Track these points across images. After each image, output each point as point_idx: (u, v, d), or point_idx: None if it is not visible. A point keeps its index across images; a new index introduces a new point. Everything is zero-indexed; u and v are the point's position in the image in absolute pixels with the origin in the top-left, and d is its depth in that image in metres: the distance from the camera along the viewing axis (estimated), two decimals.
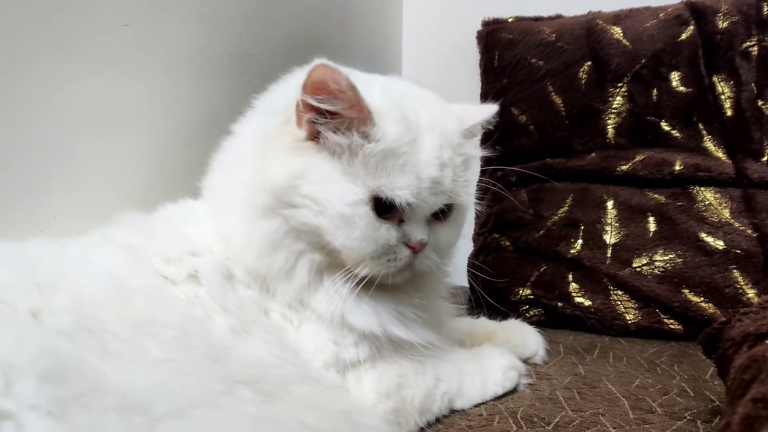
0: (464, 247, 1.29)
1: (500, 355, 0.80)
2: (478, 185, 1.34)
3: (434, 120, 0.66)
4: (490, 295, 1.15)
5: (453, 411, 0.73)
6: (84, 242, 0.64)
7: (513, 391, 0.79)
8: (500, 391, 0.77)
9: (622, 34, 1.20)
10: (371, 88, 0.64)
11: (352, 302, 0.63)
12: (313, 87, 0.60)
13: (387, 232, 0.63)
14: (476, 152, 0.75)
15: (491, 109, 0.76)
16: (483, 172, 1.34)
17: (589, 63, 1.21)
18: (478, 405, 0.75)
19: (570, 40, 1.25)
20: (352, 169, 0.62)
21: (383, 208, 0.63)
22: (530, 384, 0.81)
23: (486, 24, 1.43)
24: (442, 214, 0.69)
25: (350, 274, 0.64)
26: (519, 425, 0.69)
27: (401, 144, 0.62)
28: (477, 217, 1.31)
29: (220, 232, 0.66)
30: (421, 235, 0.65)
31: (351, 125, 0.61)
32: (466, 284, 1.26)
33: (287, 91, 0.69)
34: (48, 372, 0.40)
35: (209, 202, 0.71)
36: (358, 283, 0.64)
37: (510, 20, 1.40)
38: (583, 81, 1.21)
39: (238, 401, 0.49)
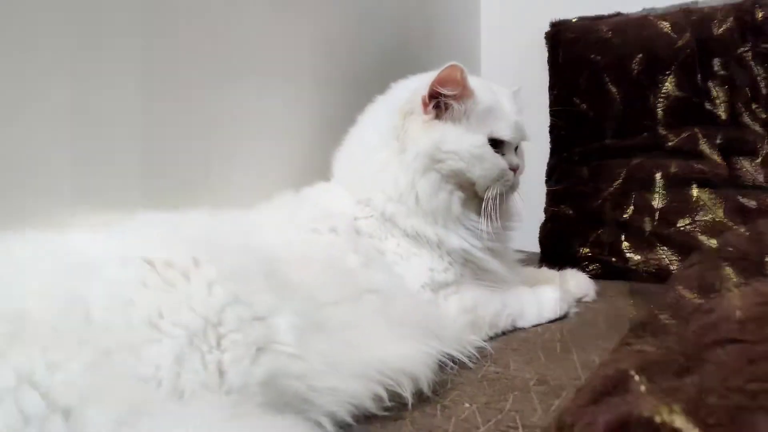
0: (537, 216, 1.54)
1: (553, 290, 1.06)
2: (549, 165, 1.59)
3: (500, 89, 1.02)
4: (556, 255, 1.41)
5: (516, 328, 1.00)
6: (256, 211, 0.95)
7: (564, 317, 1.04)
8: (552, 316, 1.03)
9: (670, 28, 1.39)
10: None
11: (460, 230, 0.95)
12: (443, 80, 0.93)
13: (501, 160, 0.95)
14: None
15: (514, 86, 1.09)
16: (552, 154, 1.58)
17: (641, 55, 1.41)
18: (535, 325, 1.01)
19: (624, 36, 1.45)
20: (471, 126, 0.94)
21: (494, 146, 0.95)
22: (578, 312, 1.06)
23: (553, 25, 1.64)
24: (515, 150, 1.02)
25: (485, 202, 0.94)
26: (563, 335, 0.94)
27: (492, 102, 0.97)
28: (548, 192, 1.56)
29: (358, 197, 0.96)
30: (517, 160, 0.99)
31: (462, 99, 0.93)
32: (538, 250, 1.52)
33: (398, 97, 1.01)
34: (268, 274, 0.70)
35: (344, 180, 1.01)
36: (493, 208, 0.94)
37: (574, 20, 1.61)
38: (636, 71, 1.41)
39: (365, 301, 0.79)
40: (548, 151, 1.59)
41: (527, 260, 1.28)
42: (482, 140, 0.93)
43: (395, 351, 0.70)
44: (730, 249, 0.54)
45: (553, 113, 1.56)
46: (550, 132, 1.57)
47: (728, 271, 0.50)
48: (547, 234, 1.47)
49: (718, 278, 0.50)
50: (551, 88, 1.58)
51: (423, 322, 0.83)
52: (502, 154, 0.96)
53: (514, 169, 0.97)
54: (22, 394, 0.46)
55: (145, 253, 0.63)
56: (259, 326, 0.62)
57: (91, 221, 0.78)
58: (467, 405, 0.71)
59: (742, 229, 0.61)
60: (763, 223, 0.63)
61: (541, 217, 1.54)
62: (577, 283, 1.16)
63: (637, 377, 0.43)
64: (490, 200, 0.94)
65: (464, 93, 0.93)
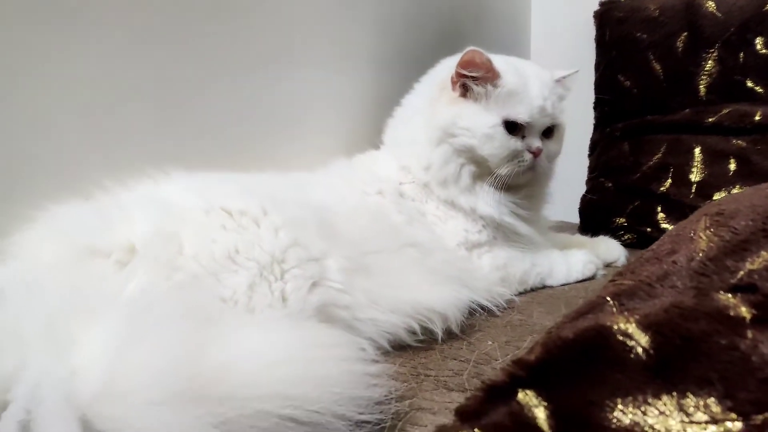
0: (579, 188, 1.61)
1: (583, 254, 1.15)
2: (592, 139, 1.65)
3: (535, 73, 1.06)
4: (594, 224, 1.49)
5: (545, 286, 1.10)
6: (317, 175, 1.09)
7: (591, 278, 1.13)
8: (580, 276, 1.12)
9: (715, 7, 1.43)
10: (498, 59, 1.04)
11: (486, 197, 1.03)
12: (465, 63, 1.01)
13: (514, 142, 1.01)
14: (565, 93, 1.11)
15: (570, 69, 1.13)
16: (595, 129, 1.65)
17: (686, 33, 1.45)
18: (563, 284, 1.11)
19: (671, 15, 1.49)
20: (489, 107, 1.01)
21: (511, 127, 1.01)
22: (605, 275, 1.15)
23: (602, 4, 1.69)
24: (549, 133, 1.07)
25: (494, 177, 1.02)
26: (587, 293, 1.04)
27: (517, 86, 1.01)
28: (589, 165, 1.63)
29: (401, 163, 1.07)
30: (537, 144, 1.03)
31: (486, 81, 1.01)
32: (577, 220, 1.60)
33: (440, 72, 1.13)
34: (322, 225, 0.83)
35: (390, 147, 1.13)
36: (500, 184, 1.02)
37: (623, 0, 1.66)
38: (680, 49, 1.46)
39: (406, 253, 0.91)
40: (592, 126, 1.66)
41: (565, 228, 1.37)
42: (495, 121, 1.00)
43: (428, 293, 0.83)
44: (714, 206, 0.63)
45: (598, 90, 1.62)
46: (594, 108, 1.64)
47: (703, 222, 0.59)
48: (586, 205, 1.55)
49: (694, 228, 0.59)
50: (597, 66, 1.64)
51: (457, 273, 0.94)
52: (522, 137, 1.02)
53: (534, 152, 1.02)
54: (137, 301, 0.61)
55: (223, 204, 0.77)
56: (314, 265, 0.76)
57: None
58: (490, 343, 0.83)
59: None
60: (740, 192, 0.71)
61: (584, 189, 1.61)
62: (608, 248, 1.24)
63: (611, 301, 0.54)
64: (499, 177, 1.02)
65: (488, 75, 1.00)
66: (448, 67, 1.08)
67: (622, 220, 1.44)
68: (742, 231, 0.54)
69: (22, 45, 0.80)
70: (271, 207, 0.79)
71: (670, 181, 1.41)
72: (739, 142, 1.35)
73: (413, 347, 0.80)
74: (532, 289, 1.08)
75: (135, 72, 0.94)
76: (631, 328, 0.47)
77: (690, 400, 0.42)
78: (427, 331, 0.82)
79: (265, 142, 1.18)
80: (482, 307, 0.93)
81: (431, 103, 1.07)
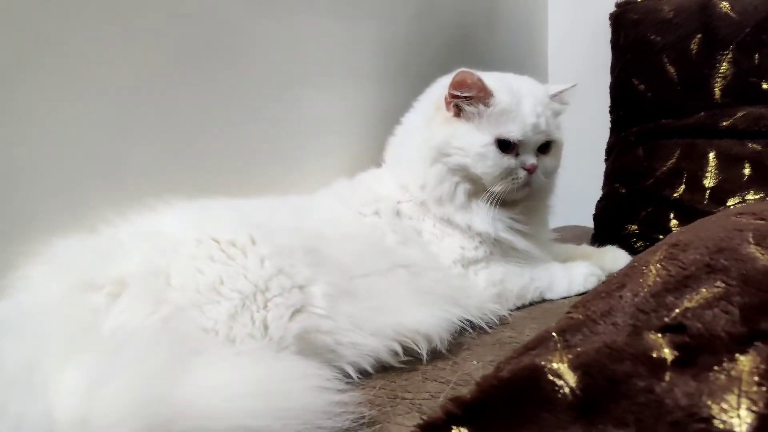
0: (595, 195, 1.60)
1: (585, 266, 1.15)
2: (608, 144, 1.63)
3: (529, 90, 1.07)
4: (609, 232, 1.47)
5: (545, 300, 1.11)
6: (317, 195, 1.12)
7: None
8: (582, 289, 1.12)
9: (729, 8, 1.39)
10: (491, 78, 1.05)
11: (482, 214, 1.05)
12: (456, 84, 1.03)
13: (507, 160, 1.03)
14: (562, 108, 1.12)
15: (567, 84, 1.14)
16: (611, 133, 1.63)
17: (700, 35, 1.42)
18: (564, 298, 1.11)
19: (685, 17, 1.46)
20: (481, 126, 1.03)
21: (504, 146, 1.03)
22: None
23: (618, 5, 1.66)
24: (545, 149, 1.08)
25: (489, 194, 1.04)
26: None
27: (509, 105, 1.03)
28: (605, 170, 1.61)
29: (399, 181, 1.10)
30: (531, 160, 1.04)
31: (479, 101, 1.03)
32: (591, 225, 1.58)
33: (435, 92, 1.15)
34: (310, 251, 0.86)
35: (390, 166, 1.16)
36: (494, 200, 1.04)
37: (640, 0, 1.63)
38: (694, 51, 1.42)
39: (397, 274, 0.93)
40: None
41: (581, 234, 1.36)
42: (487, 140, 1.02)
43: (412, 315, 0.85)
44: (675, 236, 0.63)
45: (613, 94, 1.60)
46: (610, 112, 1.62)
47: (659, 253, 0.59)
48: (601, 211, 1.54)
49: (649, 259, 0.60)
50: (612, 69, 1.62)
51: (449, 292, 0.96)
52: (516, 154, 1.04)
53: (529, 169, 1.04)
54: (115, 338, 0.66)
55: (214, 234, 0.82)
56: (298, 293, 0.79)
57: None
58: (474, 362, 0.84)
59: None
60: (708, 217, 0.71)
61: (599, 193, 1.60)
62: (614, 257, 1.24)
63: (556, 336, 0.55)
64: (493, 194, 1.04)
65: (480, 95, 1.01)
66: (442, 86, 1.10)
67: (635, 227, 1.42)
68: (689, 265, 0.55)
69: (33, 85, 0.86)
70: (260, 236, 0.83)
71: (683, 186, 1.38)
72: (754, 145, 1.32)
73: (396, 368, 0.82)
74: (531, 304, 1.09)
75: (139, 101, 0.99)
76: (563, 368, 0.49)
77: None
78: (414, 352, 0.84)
79: (270, 163, 1.23)
80: (473, 325, 0.95)
81: (427, 122, 1.09)
